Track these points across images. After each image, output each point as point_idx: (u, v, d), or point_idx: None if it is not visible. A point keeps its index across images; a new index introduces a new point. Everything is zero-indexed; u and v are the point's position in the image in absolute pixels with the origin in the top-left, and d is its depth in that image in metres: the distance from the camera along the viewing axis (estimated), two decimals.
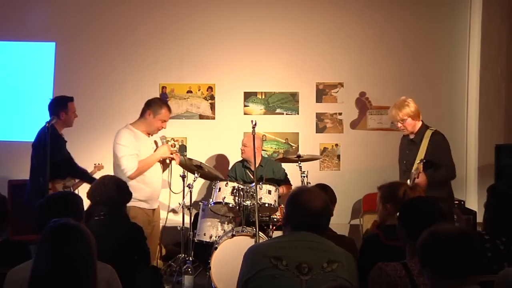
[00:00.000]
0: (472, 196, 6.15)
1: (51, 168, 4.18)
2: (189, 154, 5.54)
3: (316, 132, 6.45)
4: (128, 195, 3.43)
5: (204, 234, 5.21)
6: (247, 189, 5.00)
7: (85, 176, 5.09)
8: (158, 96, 6.33)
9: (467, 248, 2.00)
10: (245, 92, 6.42)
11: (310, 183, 5.01)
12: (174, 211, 5.75)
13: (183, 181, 5.08)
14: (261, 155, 5.97)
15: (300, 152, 5.76)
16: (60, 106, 4.88)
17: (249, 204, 4.94)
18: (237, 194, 4.98)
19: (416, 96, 4.80)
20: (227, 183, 5.05)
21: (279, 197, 5.14)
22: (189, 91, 6.40)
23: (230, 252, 4.67)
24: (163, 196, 4.81)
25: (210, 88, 6.42)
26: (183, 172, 5.10)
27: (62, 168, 4.75)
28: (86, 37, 6.35)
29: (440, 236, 2.03)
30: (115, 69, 6.37)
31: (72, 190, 4.77)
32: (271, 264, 2.36)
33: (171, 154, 4.62)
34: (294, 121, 6.44)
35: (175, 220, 5.60)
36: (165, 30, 6.38)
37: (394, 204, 3.13)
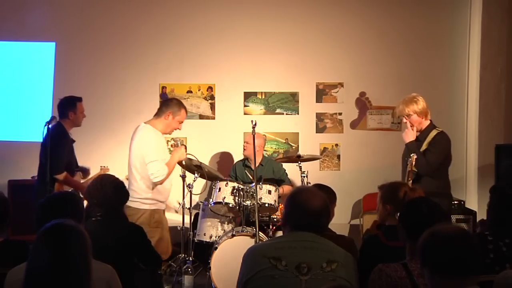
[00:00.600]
0: (472, 196, 6.15)
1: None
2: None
3: (316, 132, 6.45)
4: (125, 196, 3.40)
5: (204, 234, 5.21)
6: (247, 189, 5.00)
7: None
8: (158, 96, 6.36)
9: (467, 249, 2.00)
10: (245, 92, 6.42)
11: (310, 183, 5.01)
12: (175, 211, 5.76)
13: (183, 181, 5.09)
14: (262, 154, 5.97)
15: (300, 152, 5.77)
16: (69, 106, 4.93)
17: (249, 204, 4.94)
18: (237, 194, 4.98)
19: None
20: (227, 183, 5.05)
21: (279, 197, 5.14)
22: (189, 91, 6.40)
23: (230, 252, 4.67)
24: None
25: (210, 88, 6.43)
26: (183, 172, 5.10)
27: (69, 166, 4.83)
28: (86, 37, 6.35)
29: (440, 236, 2.03)
30: (115, 69, 6.37)
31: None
32: (270, 265, 2.36)
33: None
34: (294, 121, 6.44)
35: (175, 220, 5.60)
36: (165, 30, 6.38)
37: (394, 204, 3.13)
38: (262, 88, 6.43)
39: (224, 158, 6.38)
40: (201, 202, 5.50)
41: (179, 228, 5.15)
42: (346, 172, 6.40)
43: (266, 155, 6.28)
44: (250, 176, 5.58)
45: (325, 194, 2.73)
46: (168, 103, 4.57)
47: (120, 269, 2.59)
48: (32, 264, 2.05)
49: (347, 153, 6.43)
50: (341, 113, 6.45)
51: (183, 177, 5.08)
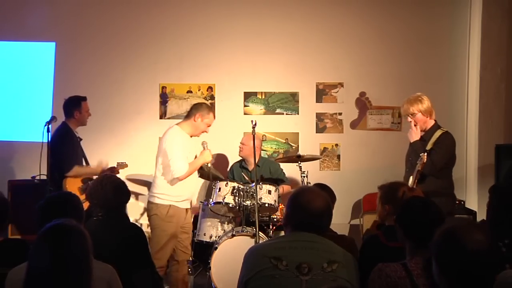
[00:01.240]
0: (472, 196, 6.14)
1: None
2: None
3: (316, 132, 6.45)
4: (126, 196, 3.40)
5: (204, 234, 5.22)
6: (247, 189, 5.01)
7: None
8: (158, 96, 6.36)
9: (493, 265, 1.93)
10: (245, 92, 6.42)
11: (310, 183, 5.01)
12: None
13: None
14: (260, 155, 5.96)
15: (300, 152, 5.77)
16: (74, 105, 5.04)
17: (249, 204, 4.95)
18: (237, 194, 4.98)
19: None
20: (227, 183, 5.06)
21: (279, 197, 5.14)
22: (189, 91, 6.40)
23: (230, 252, 4.67)
24: None
25: (210, 88, 6.42)
26: None
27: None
28: (86, 37, 6.35)
29: (468, 250, 1.90)
30: (115, 69, 6.37)
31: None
32: (271, 265, 2.37)
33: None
34: (294, 121, 6.44)
35: None
36: (165, 30, 6.38)
37: (393, 204, 3.13)
38: (262, 88, 6.43)
39: (224, 158, 6.38)
40: (201, 202, 5.50)
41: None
42: (346, 172, 6.40)
43: (266, 155, 6.29)
44: (247, 178, 5.57)
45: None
46: (198, 106, 4.68)
47: (120, 269, 2.60)
48: (33, 264, 2.05)
49: (347, 153, 6.43)
50: (341, 113, 6.45)
51: None
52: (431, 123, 4.47)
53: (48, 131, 4.77)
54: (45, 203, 2.82)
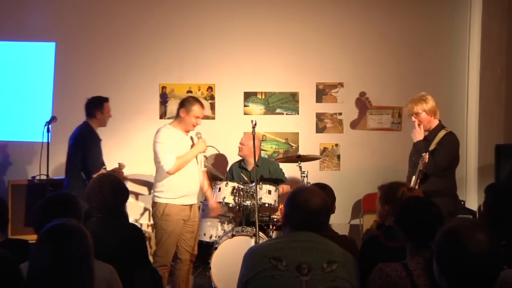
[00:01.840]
0: (472, 196, 6.14)
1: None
2: None
3: (316, 132, 6.45)
4: (124, 195, 3.39)
5: (204, 234, 5.22)
6: (247, 189, 5.01)
7: None
8: (158, 96, 6.36)
9: (495, 268, 1.91)
10: (245, 92, 6.42)
11: (310, 183, 5.01)
12: None
13: None
14: (259, 155, 5.96)
15: (300, 152, 5.77)
16: (96, 106, 5.08)
17: (249, 204, 4.95)
18: (237, 194, 4.99)
19: None
20: (227, 183, 5.06)
21: (279, 197, 5.14)
22: (189, 91, 6.39)
23: (230, 252, 4.68)
24: None
25: (210, 88, 6.43)
26: None
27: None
28: (86, 37, 6.35)
29: (470, 253, 1.87)
30: (115, 69, 6.37)
31: None
32: (271, 265, 2.36)
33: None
34: (294, 121, 6.44)
35: None
36: (165, 30, 6.38)
37: (392, 205, 3.13)
38: (262, 88, 6.43)
39: (224, 158, 6.38)
40: (201, 202, 5.50)
41: None
42: (346, 172, 6.40)
43: (266, 155, 6.28)
44: (245, 178, 5.57)
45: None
46: (183, 101, 4.69)
47: (120, 269, 2.59)
48: (34, 264, 2.05)
49: (347, 153, 6.43)
50: (341, 113, 6.45)
51: None
52: (435, 122, 4.47)
53: (48, 131, 4.77)
54: (44, 203, 2.82)
